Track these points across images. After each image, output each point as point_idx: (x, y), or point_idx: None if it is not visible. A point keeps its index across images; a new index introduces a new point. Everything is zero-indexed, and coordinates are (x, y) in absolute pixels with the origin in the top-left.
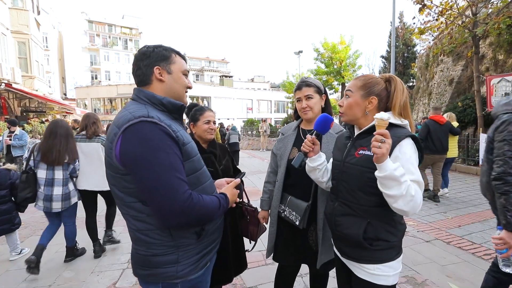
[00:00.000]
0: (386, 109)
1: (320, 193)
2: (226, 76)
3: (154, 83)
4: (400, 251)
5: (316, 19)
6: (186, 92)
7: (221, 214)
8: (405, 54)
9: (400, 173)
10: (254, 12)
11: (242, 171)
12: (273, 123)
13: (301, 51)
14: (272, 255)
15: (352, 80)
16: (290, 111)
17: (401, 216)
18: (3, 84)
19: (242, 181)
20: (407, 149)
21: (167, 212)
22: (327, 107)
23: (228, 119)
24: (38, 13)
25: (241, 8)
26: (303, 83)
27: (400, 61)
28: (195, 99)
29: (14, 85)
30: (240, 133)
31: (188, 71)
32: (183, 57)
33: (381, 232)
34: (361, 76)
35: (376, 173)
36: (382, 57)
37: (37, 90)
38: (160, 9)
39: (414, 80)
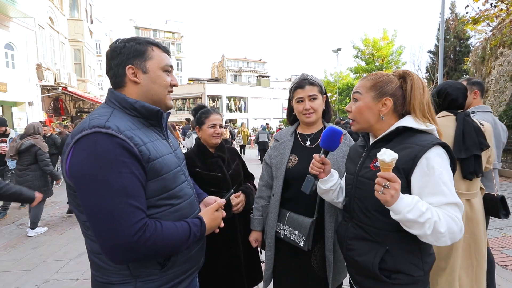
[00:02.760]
0: (405, 113)
1: (328, 206)
2: (262, 76)
3: (128, 86)
4: (427, 287)
5: (356, 14)
6: (171, 91)
7: (192, 244)
8: (457, 48)
9: (417, 214)
10: (292, 12)
11: (236, 186)
12: None
13: (339, 49)
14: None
15: (360, 80)
16: None
17: (430, 245)
18: (60, 88)
19: (254, 186)
20: (436, 162)
21: (108, 246)
22: (328, 110)
23: (264, 119)
24: (91, 22)
25: (279, 8)
26: (306, 81)
27: (451, 56)
28: (232, 99)
29: (69, 89)
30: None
31: (171, 66)
32: (164, 50)
33: (402, 264)
34: (370, 75)
35: (391, 214)
36: (430, 52)
37: (89, 93)
38: (200, 13)
39: (468, 77)
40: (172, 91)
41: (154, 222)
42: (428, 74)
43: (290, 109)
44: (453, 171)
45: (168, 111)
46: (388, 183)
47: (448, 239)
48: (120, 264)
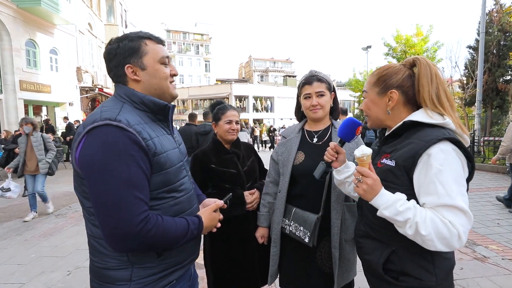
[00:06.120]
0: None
1: (334, 202)
2: (289, 76)
3: (130, 84)
4: None
5: (388, 10)
6: (172, 82)
7: (189, 240)
8: (502, 42)
9: (393, 213)
10: (320, 10)
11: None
12: None
13: (369, 47)
14: (278, 281)
15: (367, 77)
16: (357, 111)
17: None
18: (97, 89)
19: None
20: (436, 159)
21: (111, 234)
22: (336, 107)
23: (290, 119)
24: (126, 26)
25: (307, 6)
26: (314, 77)
27: (495, 51)
28: (258, 99)
29: (105, 90)
30: None
31: (168, 57)
32: (158, 41)
33: (410, 266)
34: (376, 70)
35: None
36: (470, 47)
37: None
38: (228, 14)
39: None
40: (173, 81)
41: (155, 215)
42: (467, 71)
43: (298, 106)
44: (471, 169)
45: (173, 104)
46: (360, 177)
47: (438, 244)
48: (119, 252)
